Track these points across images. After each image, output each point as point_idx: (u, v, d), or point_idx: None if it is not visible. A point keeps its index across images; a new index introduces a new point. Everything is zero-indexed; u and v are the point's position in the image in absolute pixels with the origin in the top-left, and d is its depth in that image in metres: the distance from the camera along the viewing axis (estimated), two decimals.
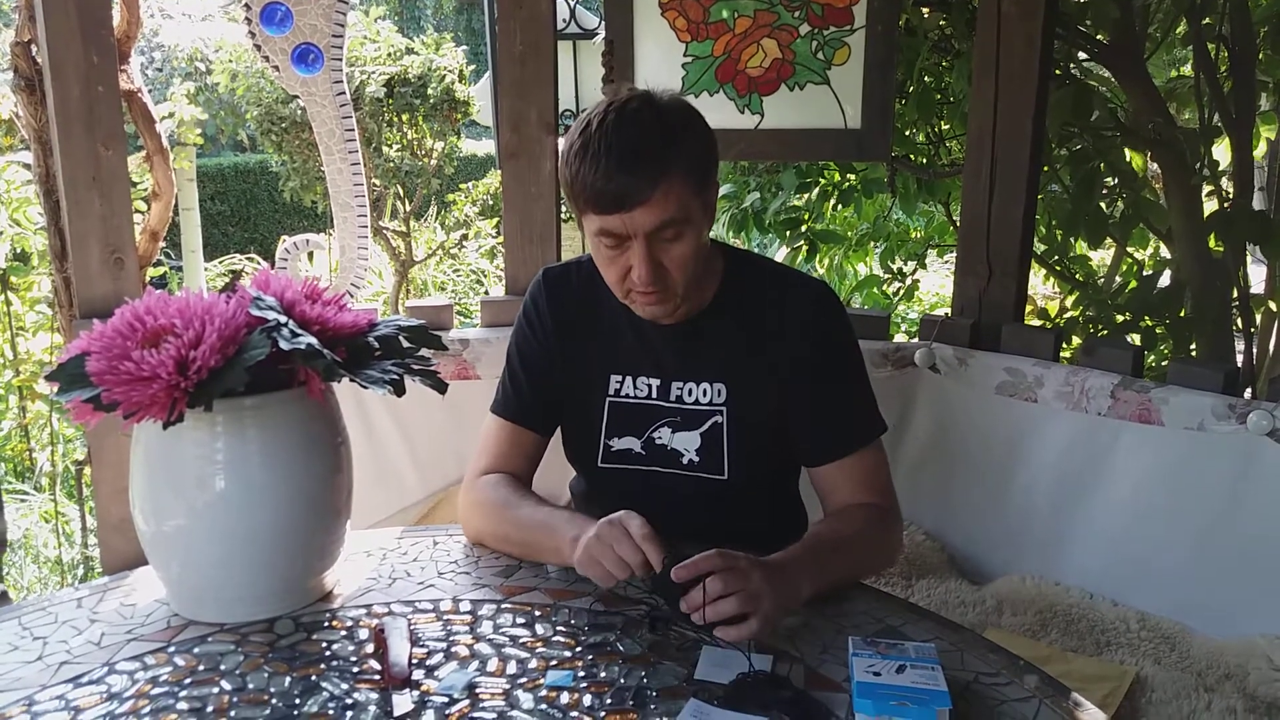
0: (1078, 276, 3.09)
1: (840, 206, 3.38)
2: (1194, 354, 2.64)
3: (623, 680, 1.02)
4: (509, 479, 1.37)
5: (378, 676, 1.03)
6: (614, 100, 1.23)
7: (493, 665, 1.05)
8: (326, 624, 1.14)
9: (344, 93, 2.06)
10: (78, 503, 2.81)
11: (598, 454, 1.39)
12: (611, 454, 1.38)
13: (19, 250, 3.05)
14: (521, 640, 1.10)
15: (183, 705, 0.98)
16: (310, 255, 2.18)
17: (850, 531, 1.27)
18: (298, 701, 0.99)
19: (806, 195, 3.36)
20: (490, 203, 5.35)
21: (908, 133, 2.97)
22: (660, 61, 2.21)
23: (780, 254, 3.55)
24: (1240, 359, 2.79)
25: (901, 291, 3.59)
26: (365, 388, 1.10)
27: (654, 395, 1.36)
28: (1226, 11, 2.63)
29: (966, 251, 2.15)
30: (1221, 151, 2.87)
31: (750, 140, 2.28)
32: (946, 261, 4.97)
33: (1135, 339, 2.60)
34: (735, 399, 1.34)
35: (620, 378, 1.38)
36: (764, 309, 1.35)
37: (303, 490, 1.14)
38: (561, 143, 1.26)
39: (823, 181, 3.33)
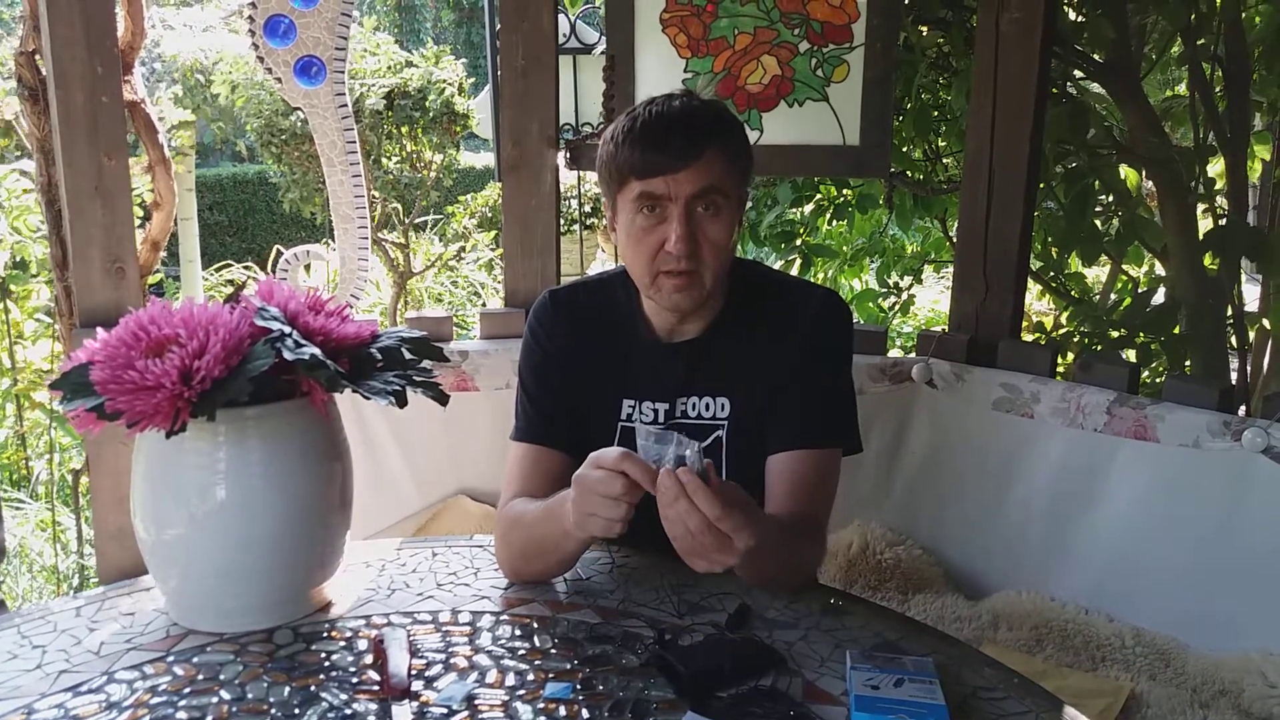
0: (1073, 293, 3.11)
1: (836, 222, 3.40)
2: (1188, 371, 2.65)
3: (621, 693, 1.02)
4: (525, 500, 1.30)
5: (377, 687, 1.03)
6: (662, 94, 1.29)
7: (491, 677, 1.05)
8: (325, 634, 1.14)
9: (346, 105, 2.07)
10: (74, 512, 2.80)
11: None
12: None
13: (18, 259, 3.05)
14: (520, 652, 1.10)
15: (182, 715, 0.98)
16: (307, 266, 2.18)
17: (792, 537, 1.23)
18: (297, 712, 0.99)
19: (800, 209, 3.38)
20: (489, 215, 5.36)
21: (905, 149, 2.99)
22: (661, 77, 2.22)
23: (774, 267, 3.55)
24: (1234, 376, 2.81)
25: (897, 306, 3.60)
26: (368, 399, 1.11)
27: (661, 419, 1.36)
28: (1221, 32, 2.66)
29: (964, 268, 2.16)
30: (1216, 170, 2.89)
31: None
32: (942, 277, 4.99)
33: (1130, 355, 2.61)
34: (737, 412, 1.34)
35: (632, 403, 1.36)
36: (770, 319, 1.35)
37: (303, 500, 1.15)
38: (608, 130, 1.29)
39: (818, 196, 3.34)
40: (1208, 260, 2.71)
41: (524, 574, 1.27)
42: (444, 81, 4.65)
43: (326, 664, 1.08)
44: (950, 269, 2.71)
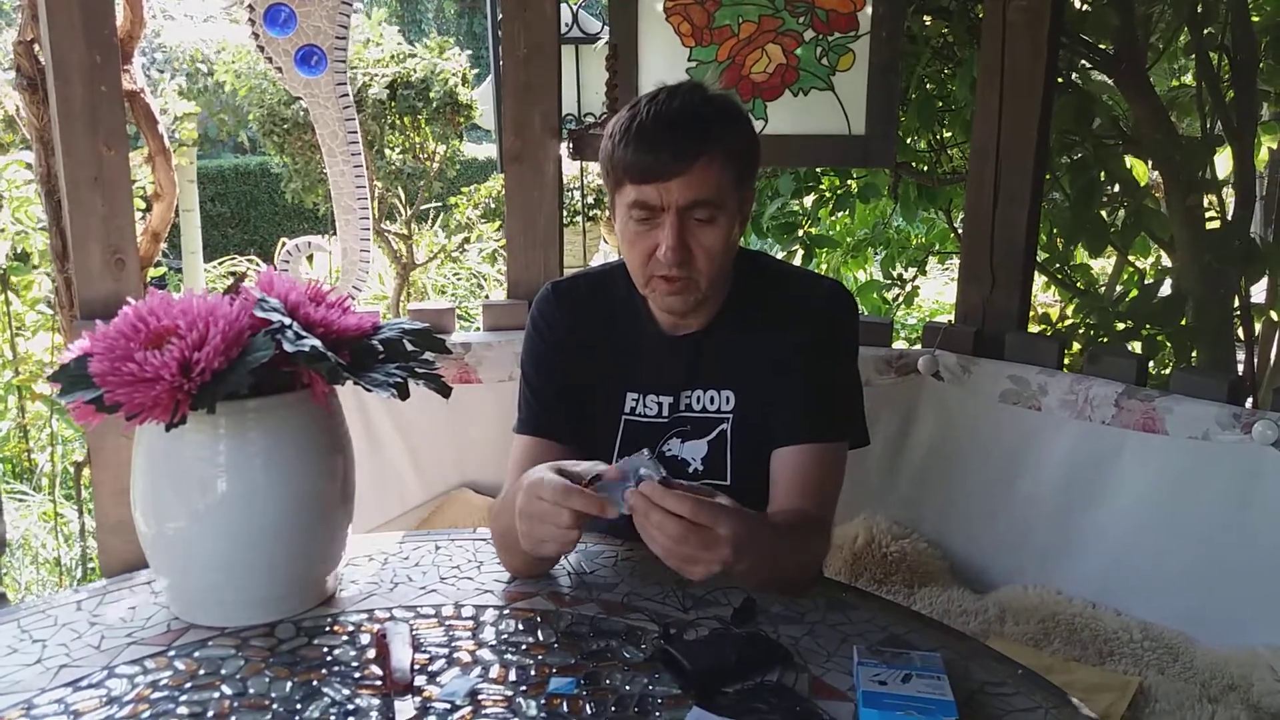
0: (1079, 285, 3.09)
1: (839, 213, 3.38)
2: (1194, 363, 2.64)
3: (626, 688, 1.01)
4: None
5: (379, 682, 1.02)
6: (668, 85, 1.26)
7: (495, 672, 1.04)
8: (328, 629, 1.13)
9: (347, 95, 2.06)
10: (76, 504, 2.79)
11: None
12: None
13: (19, 250, 3.04)
14: (524, 646, 1.09)
15: (183, 710, 0.97)
16: (310, 258, 2.17)
17: (792, 536, 1.21)
18: (299, 707, 0.98)
19: (800, 200, 3.36)
20: (492, 206, 5.34)
21: (909, 140, 2.97)
22: (664, 66, 2.20)
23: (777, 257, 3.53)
24: (1240, 368, 2.79)
25: (901, 297, 3.59)
26: (369, 391, 1.10)
27: (665, 412, 1.35)
28: (1228, 21, 2.64)
29: (970, 259, 2.15)
30: (1223, 161, 2.87)
31: None
32: (946, 268, 4.97)
33: (1136, 347, 2.60)
34: (742, 405, 1.33)
35: (636, 395, 1.35)
36: (775, 312, 1.34)
37: (305, 493, 1.14)
38: (609, 124, 1.28)
39: (822, 186, 3.33)
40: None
41: (513, 568, 1.26)
42: (448, 72, 4.63)
43: (329, 659, 1.07)
44: (954, 260, 2.69)
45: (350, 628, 1.13)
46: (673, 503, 1.02)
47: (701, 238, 1.23)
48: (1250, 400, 2.59)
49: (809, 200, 3.40)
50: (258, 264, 5.45)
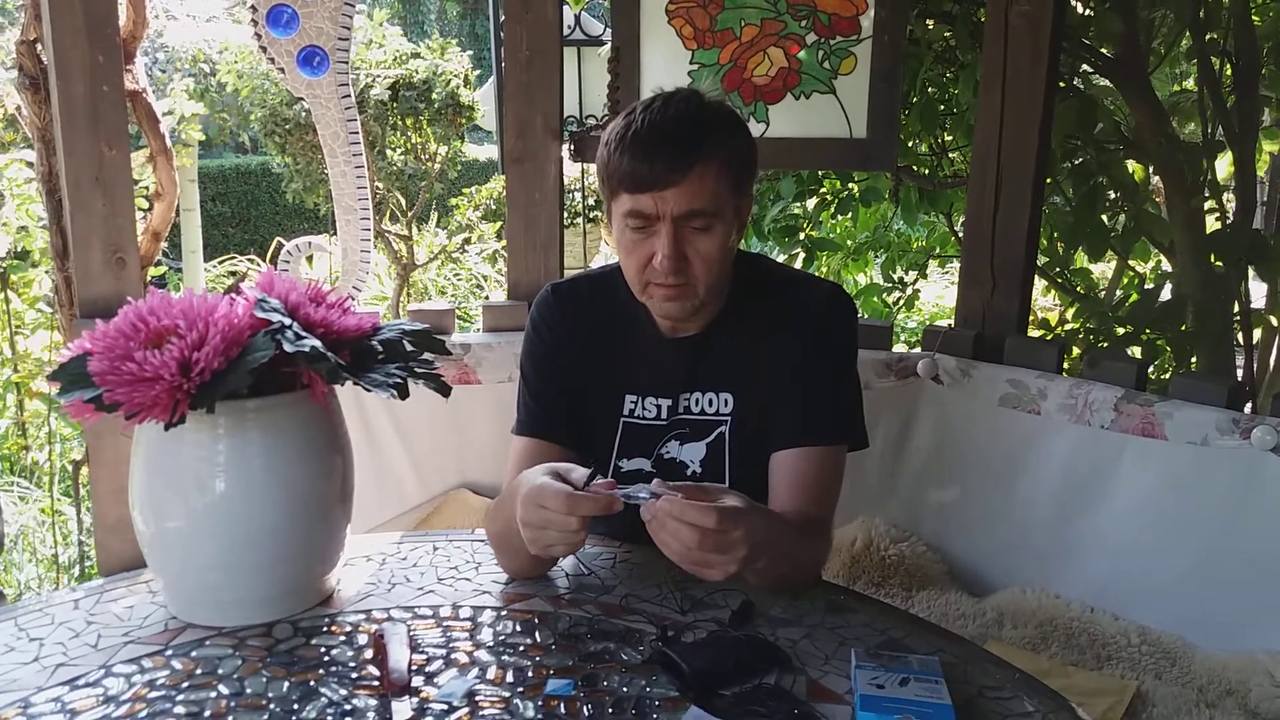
0: (1079, 289, 3.09)
1: (839, 216, 3.38)
2: (1193, 368, 2.64)
3: (624, 690, 1.01)
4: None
5: (377, 683, 1.02)
6: (663, 92, 1.25)
7: (492, 673, 1.04)
8: (325, 629, 1.13)
9: (349, 96, 2.06)
10: (74, 502, 2.79)
11: (608, 475, 1.37)
12: (622, 475, 1.35)
13: (20, 248, 3.04)
14: (521, 648, 1.09)
15: (180, 709, 0.97)
16: (310, 258, 2.17)
17: (798, 534, 1.22)
18: (296, 707, 0.98)
19: (802, 204, 3.36)
20: (493, 207, 5.35)
21: (910, 143, 2.97)
22: (666, 69, 2.21)
23: (778, 261, 3.53)
24: (1240, 374, 2.79)
25: (902, 301, 3.59)
26: (369, 391, 1.10)
27: (664, 415, 1.34)
28: (1230, 27, 2.64)
29: (971, 263, 2.15)
30: (1224, 166, 2.88)
31: None
32: (947, 272, 4.97)
33: (1136, 352, 2.59)
34: (741, 408, 1.33)
35: (635, 398, 1.35)
36: (775, 315, 1.33)
37: (303, 493, 1.14)
38: (605, 131, 1.27)
39: (823, 190, 3.33)
40: (1213, 257, 2.69)
41: (510, 569, 1.26)
42: (450, 73, 4.63)
43: (326, 659, 1.07)
44: (955, 264, 2.69)
45: (348, 628, 1.13)
46: (695, 515, 1.01)
47: (698, 245, 1.23)
48: (1250, 405, 2.59)
49: (810, 203, 3.40)
50: (258, 264, 5.45)
